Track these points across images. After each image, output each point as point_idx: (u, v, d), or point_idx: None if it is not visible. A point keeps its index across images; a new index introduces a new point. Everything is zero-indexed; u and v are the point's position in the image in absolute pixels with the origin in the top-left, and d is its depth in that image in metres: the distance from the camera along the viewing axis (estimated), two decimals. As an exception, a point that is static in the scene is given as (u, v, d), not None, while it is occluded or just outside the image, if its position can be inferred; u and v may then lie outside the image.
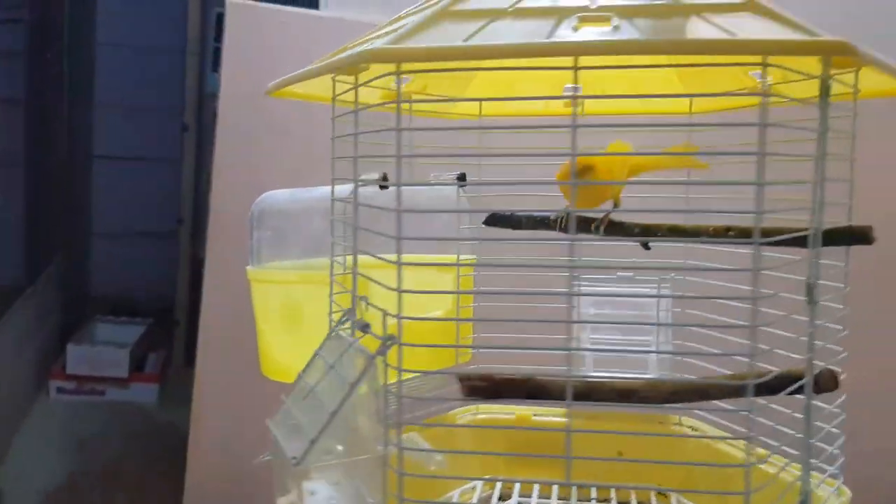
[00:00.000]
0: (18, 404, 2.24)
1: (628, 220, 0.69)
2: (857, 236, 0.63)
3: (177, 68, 2.81)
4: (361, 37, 0.64)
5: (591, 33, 0.50)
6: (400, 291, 0.53)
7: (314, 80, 0.60)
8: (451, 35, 0.52)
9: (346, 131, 0.59)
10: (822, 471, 0.63)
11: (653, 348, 0.81)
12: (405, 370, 0.55)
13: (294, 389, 0.61)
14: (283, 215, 0.80)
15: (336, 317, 0.63)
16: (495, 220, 0.73)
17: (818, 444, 0.61)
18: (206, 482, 1.38)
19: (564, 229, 0.69)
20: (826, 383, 0.62)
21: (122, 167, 2.93)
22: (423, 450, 0.59)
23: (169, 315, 2.71)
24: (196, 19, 2.79)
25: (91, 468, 1.98)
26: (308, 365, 0.62)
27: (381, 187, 0.69)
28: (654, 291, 0.79)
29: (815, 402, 0.58)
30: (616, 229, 0.69)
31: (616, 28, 0.49)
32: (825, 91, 0.52)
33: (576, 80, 0.50)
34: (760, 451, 0.66)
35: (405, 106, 0.73)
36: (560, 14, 0.52)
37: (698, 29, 0.49)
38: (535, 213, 0.72)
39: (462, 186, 0.76)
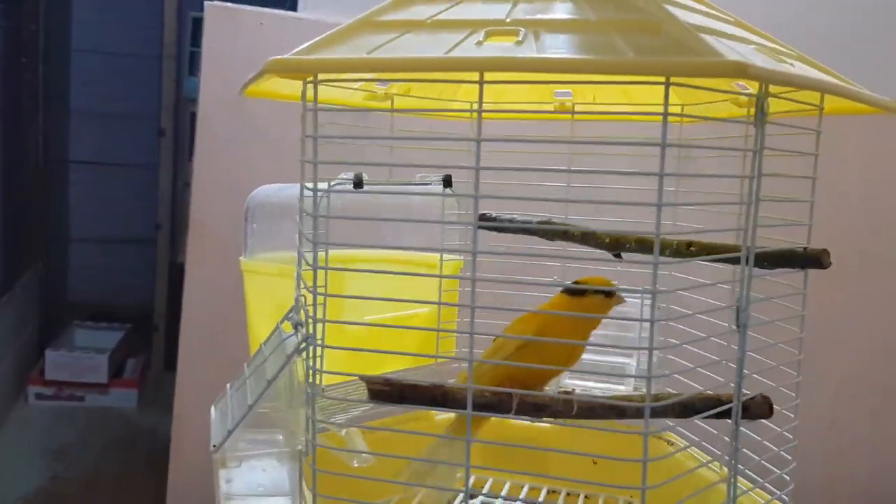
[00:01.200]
0: (-3, 411, 2.23)
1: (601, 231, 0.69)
2: (810, 259, 0.59)
3: (153, 74, 2.80)
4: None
5: (491, 48, 0.49)
6: (317, 294, 0.55)
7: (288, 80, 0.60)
8: (362, 45, 0.52)
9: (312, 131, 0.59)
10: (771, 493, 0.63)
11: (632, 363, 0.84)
12: (329, 372, 0.56)
13: (236, 378, 0.62)
14: (275, 208, 0.83)
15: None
16: (483, 221, 0.72)
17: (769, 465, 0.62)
18: (189, 485, 1.39)
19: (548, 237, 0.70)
20: (758, 409, 0.60)
21: (99, 173, 2.93)
22: (338, 449, 0.60)
23: (147, 320, 2.70)
24: (172, 24, 2.78)
25: (70, 474, 1.98)
26: (253, 356, 0.64)
27: (356, 186, 0.70)
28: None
29: (743, 427, 0.57)
30: (589, 238, 0.69)
31: (518, 43, 0.49)
32: (759, 109, 0.53)
33: (481, 96, 0.49)
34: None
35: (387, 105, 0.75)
36: (473, 27, 0.52)
37: (607, 46, 0.48)
38: (524, 218, 0.71)
39: (433, 189, 0.76)
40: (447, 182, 0.74)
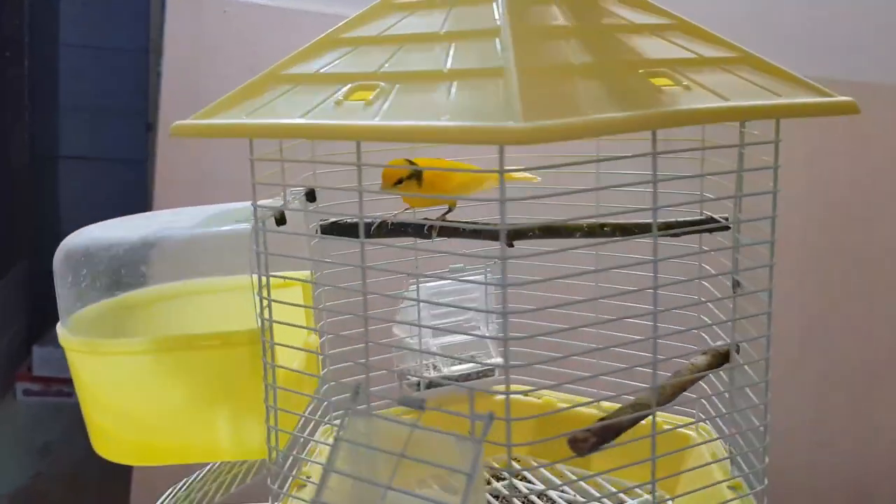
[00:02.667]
0: (-16, 407, 2.26)
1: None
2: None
3: (140, 67, 2.81)
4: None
5: (347, 109, 0.52)
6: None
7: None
8: (257, 103, 0.56)
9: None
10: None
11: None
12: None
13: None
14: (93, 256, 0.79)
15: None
16: (334, 229, 0.72)
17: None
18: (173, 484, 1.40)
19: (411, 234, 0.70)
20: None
21: (88, 168, 2.94)
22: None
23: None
24: (158, 15, 2.78)
25: (57, 470, 2.01)
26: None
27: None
28: (481, 278, 0.85)
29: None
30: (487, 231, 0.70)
31: (368, 104, 0.51)
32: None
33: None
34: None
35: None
36: (343, 82, 0.55)
37: (445, 100, 0.49)
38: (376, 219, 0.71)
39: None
40: (311, 196, 0.73)
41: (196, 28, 1.39)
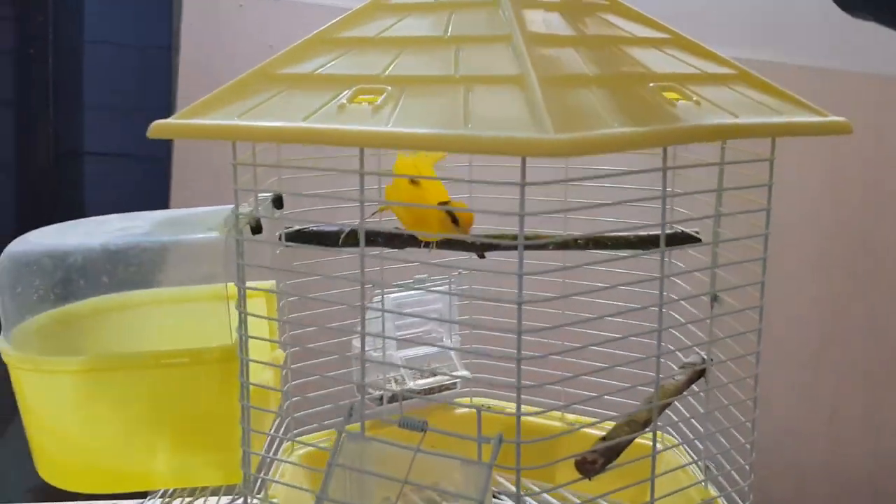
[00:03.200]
0: None
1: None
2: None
3: (164, 65, 2.76)
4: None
5: (352, 113, 0.49)
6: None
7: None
8: (248, 103, 0.53)
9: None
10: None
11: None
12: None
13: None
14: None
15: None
16: (300, 236, 0.68)
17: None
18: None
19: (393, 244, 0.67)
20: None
21: (113, 165, 2.87)
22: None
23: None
24: (181, 14, 2.75)
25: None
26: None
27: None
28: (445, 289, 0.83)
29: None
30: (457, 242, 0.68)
31: (376, 109, 0.49)
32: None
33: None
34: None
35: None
36: (346, 84, 0.52)
37: (460, 106, 0.48)
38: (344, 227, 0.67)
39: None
40: (278, 202, 0.70)
41: (212, 23, 1.38)
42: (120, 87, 2.84)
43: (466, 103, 0.47)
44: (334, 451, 0.50)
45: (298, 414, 0.76)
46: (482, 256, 0.69)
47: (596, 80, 0.51)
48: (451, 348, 0.86)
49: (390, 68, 0.52)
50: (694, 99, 0.54)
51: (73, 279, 0.72)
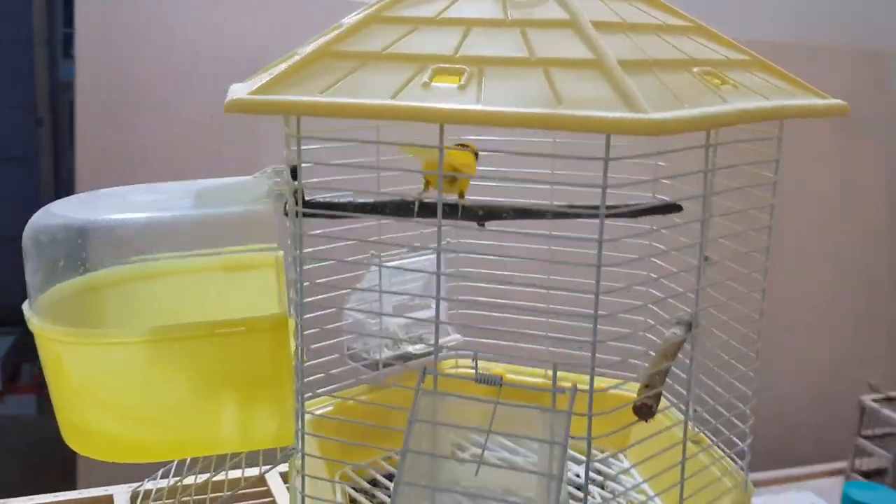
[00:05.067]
0: None
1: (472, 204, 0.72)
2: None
3: (25, 60, 2.66)
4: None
5: (437, 93, 0.52)
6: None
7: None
8: (322, 81, 0.54)
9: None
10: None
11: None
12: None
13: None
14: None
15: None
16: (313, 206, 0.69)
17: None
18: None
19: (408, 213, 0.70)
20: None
21: None
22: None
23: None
24: (42, 6, 2.66)
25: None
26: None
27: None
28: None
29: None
30: (464, 212, 0.71)
31: (461, 88, 0.51)
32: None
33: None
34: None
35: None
36: (422, 63, 0.54)
37: (546, 87, 0.50)
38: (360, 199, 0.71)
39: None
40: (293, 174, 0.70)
41: (110, 15, 1.35)
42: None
43: (552, 84, 0.50)
44: (413, 408, 0.54)
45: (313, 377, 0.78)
46: (482, 226, 0.72)
47: (655, 64, 0.55)
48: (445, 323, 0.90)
49: (461, 49, 0.55)
50: (731, 83, 0.59)
51: (119, 253, 0.74)
